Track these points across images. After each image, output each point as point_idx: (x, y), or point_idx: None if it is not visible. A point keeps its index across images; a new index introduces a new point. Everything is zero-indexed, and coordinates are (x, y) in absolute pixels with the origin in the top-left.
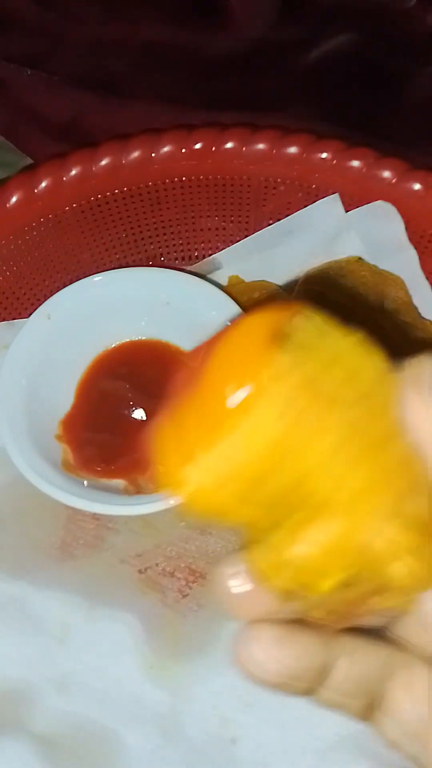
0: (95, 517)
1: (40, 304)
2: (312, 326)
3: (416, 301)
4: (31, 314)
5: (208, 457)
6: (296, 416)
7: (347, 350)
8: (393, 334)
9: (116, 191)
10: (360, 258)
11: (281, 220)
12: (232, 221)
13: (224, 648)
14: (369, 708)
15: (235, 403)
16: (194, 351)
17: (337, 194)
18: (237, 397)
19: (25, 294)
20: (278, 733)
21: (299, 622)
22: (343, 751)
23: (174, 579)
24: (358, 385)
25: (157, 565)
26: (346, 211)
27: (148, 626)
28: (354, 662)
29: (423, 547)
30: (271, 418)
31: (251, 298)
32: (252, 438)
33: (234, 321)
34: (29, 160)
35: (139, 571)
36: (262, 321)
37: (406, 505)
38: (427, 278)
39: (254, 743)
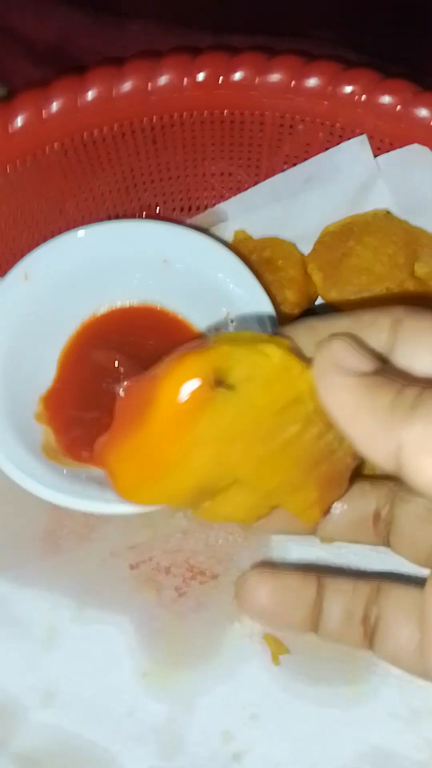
0: None
1: (16, 262)
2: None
3: None
4: (6, 273)
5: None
6: (224, 433)
7: (266, 373)
8: (422, 303)
9: (106, 128)
10: (389, 212)
11: (298, 165)
12: (241, 165)
13: (227, 654)
14: (366, 636)
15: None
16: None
17: (365, 135)
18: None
19: (0, 250)
20: (288, 750)
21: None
22: None
23: (170, 576)
24: (276, 395)
25: (151, 559)
26: (376, 156)
27: (143, 629)
28: (340, 595)
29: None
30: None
31: (261, 257)
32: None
33: (171, 362)
34: (5, 90)
35: (131, 567)
36: (194, 365)
37: (315, 471)
38: None
39: (260, 760)
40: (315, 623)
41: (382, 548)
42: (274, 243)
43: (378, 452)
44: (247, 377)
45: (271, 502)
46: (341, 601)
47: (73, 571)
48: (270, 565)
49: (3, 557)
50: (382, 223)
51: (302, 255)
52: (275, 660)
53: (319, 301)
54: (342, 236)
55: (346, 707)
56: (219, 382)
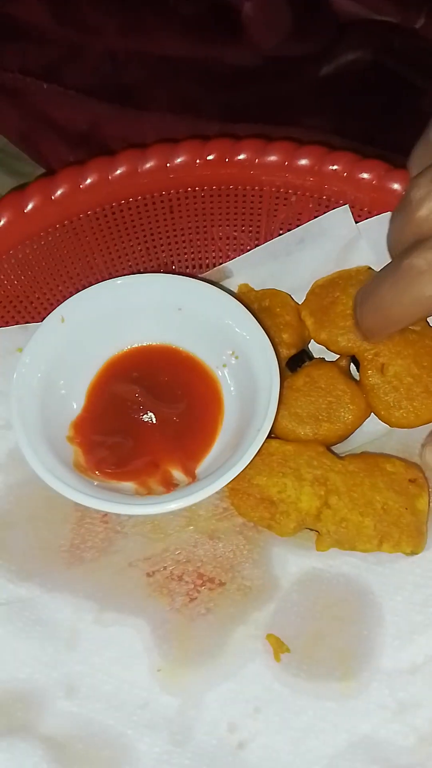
0: (104, 520)
1: (53, 308)
2: None
3: None
4: (44, 318)
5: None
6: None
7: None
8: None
9: (131, 199)
10: (370, 267)
11: (292, 230)
12: (243, 230)
13: (232, 653)
14: None
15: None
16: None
17: (347, 205)
18: None
19: (39, 298)
20: (287, 739)
21: None
22: (353, 755)
23: (182, 583)
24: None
25: (165, 568)
26: (357, 222)
27: (157, 630)
28: None
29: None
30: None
31: (261, 306)
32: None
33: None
34: (43, 171)
35: (147, 575)
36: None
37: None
38: None
39: (263, 749)
40: None
41: (373, 559)
42: (272, 294)
43: None
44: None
45: None
46: None
47: (95, 579)
48: None
49: (32, 566)
50: (363, 277)
51: (296, 303)
52: (277, 658)
53: (311, 342)
54: (330, 288)
55: (340, 700)
56: None
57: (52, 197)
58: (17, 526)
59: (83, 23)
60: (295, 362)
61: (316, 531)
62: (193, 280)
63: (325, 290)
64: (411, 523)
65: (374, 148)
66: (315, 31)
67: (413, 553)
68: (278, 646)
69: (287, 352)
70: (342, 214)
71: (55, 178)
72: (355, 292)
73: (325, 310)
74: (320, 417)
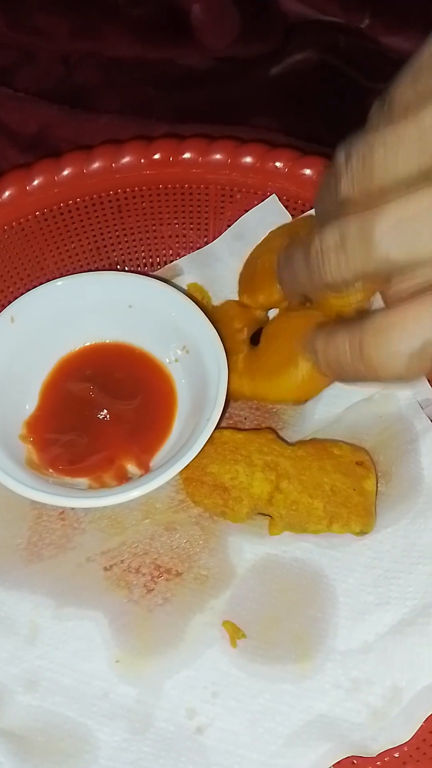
0: (61, 517)
1: (1, 309)
2: None
3: None
4: None
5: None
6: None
7: None
8: None
9: (79, 200)
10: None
11: (230, 227)
12: (192, 228)
13: (190, 641)
14: None
15: None
16: None
17: (275, 195)
18: None
19: None
20: (244, 721)
21: None
22: (308, 734)
23: (139, 575)
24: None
25: (122, 561)
26: (299, 216)
27: (116, 622)
28: None
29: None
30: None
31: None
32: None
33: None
34: None
35: (105, 569)
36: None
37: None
38: None
39: (221, 732)
40: None
41: (326, 543)
42: (221, 309)
43: None
44: None
45: None
46: None
47: (53, 576)
48: None
49: None
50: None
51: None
52: (233, 644)
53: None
54: (252, 255)
55: (296, 682)
56: None
57: (0, 200)
58: None
59: (35, 27)
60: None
61: (269, 516)
62: (143, 277)
63: (249, 261)
64: (359, 503)
65: (320, 145)
66: (264, 33)
67: (363, 532)
68: (234, 632)
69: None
70: (272, 204)
71: (2, 180)
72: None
73: (249, 277)
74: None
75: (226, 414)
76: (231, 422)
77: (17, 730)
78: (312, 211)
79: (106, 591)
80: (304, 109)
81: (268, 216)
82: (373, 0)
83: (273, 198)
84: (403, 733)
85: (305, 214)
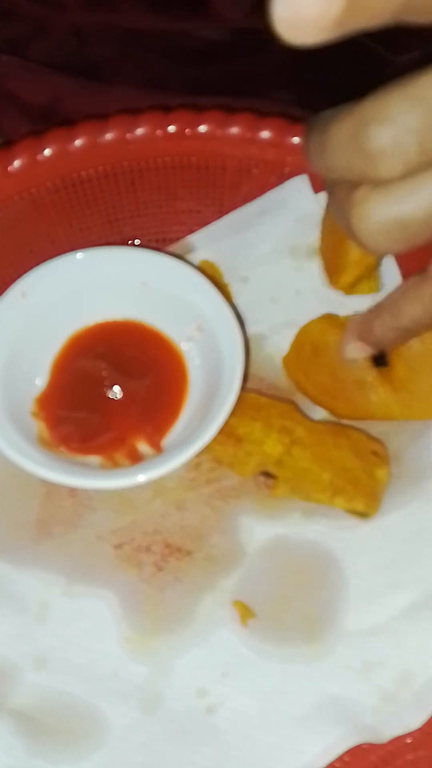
0: (72, 495)
1: (12, 283)
2: None
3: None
4: (3, 292)
5: None
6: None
7: None
8: None
9: (92, 171)
10: None
11: (252, 202)
12: (207, 204)
13: (201, 620)
14: None
15: None
16: None
17: (305, 175)
18: None
19: None
20: (255, 702)
21: None
22: (320, 717)
23: (150, 553)
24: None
25: (133, 540)
26: (317, 193)
27: (126, 601)
28: None
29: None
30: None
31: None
32: None
33: None
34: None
35: (116, 547)
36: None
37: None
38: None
39: (232, 712)
40: None
41: (336, 525)
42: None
43: None
44: None
45: None
46: None
47: (63, 554)
48: None
49: (1, 542)
50: None
51: None
52: (244, 623)
53: None
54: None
55: (307, 663)
56: None
57: (9, 168)
58: None
59: None
60: None
61: (274, 477)
62: (157, 253)
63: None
64: (368, 485)
65: None
66: None
67: (365, 515)
68: (245, 612)
69: None
70: (300, 183)
71: (12, 149)
72: None
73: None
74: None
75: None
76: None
77: (27, 709)
78: None
79: (116, 569)
80: (322, 83)
81: (294, 196)
82: None
83: (302, 177)
84: (415, 718)
85: None
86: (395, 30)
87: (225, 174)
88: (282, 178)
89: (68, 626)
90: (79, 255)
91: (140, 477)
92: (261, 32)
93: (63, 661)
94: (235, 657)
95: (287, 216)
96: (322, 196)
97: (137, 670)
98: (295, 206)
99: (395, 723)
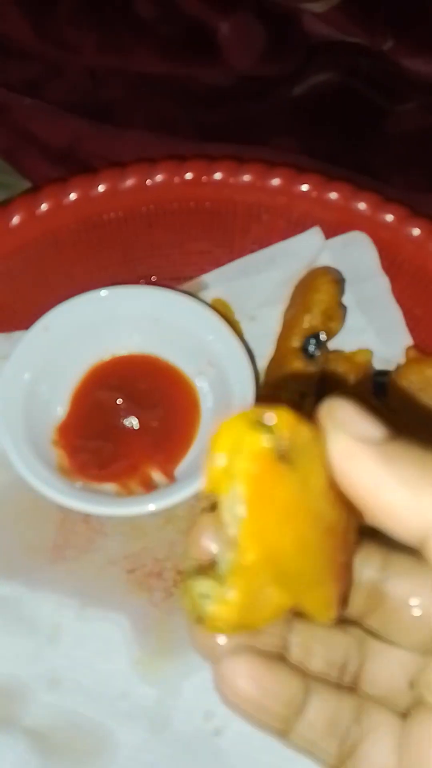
0: (86, 520)
1: (36, 318)
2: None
3: (382, 324)
4: (27, 327)
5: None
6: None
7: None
8: None
9: (112, 214)
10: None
11: (266, 248)
12: (218, 245)
13: None
14: (340, 756)
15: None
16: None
17: (318, 227)
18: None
19: (22, 308)
20: None
21: (277, 657)
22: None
23: (161, 579)
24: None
25: (144, 566)
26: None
27: (136, 624)
28: (325, 703)
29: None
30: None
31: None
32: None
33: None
34: (28, 183)
35: (128, 572)
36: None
37: (335, 560)
38: (398, 301)
39: (238, 735)
40: (289, 725)
41: None
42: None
43: (405, 525)
44: (300, 448)
45: (294, 599)
46: (327, 709)
47: (76, 577)
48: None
49: (16, 565)
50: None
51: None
52: None
53: None
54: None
55: None
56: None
57: (36, 212)
58: (1, 527)
59: (63, 40)
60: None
61: None
62: (172, 291)
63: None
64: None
65: (339, 167)
66: (287, 53)
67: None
68: None
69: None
70: (313, 235)
71: (39, 194)
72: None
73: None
74: None
75: None
76: None
77: (41, 728)
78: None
79: (128, 593)
80: (324, 130)
81: (305, 246)
82: (397, 23)
83: (316, 230)
84: None
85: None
86: (394, 80)
87: (236, 218)
88: (290, 222)
89: (80, 648)
90: (99, 293)
91: (152, 505)
92: (267, 80)
93: (75, 682)
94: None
95: (298, 263)
96: (331, 243)
97: (146, 692)
98: (305, 255)
99: None
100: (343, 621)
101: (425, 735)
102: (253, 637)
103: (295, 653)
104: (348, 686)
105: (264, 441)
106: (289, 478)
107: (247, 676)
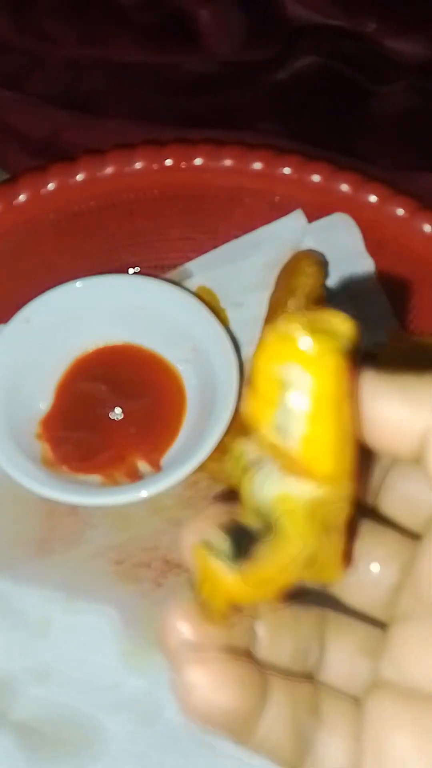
0: (72, 513)
1: (17, 310)
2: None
3: (366, 305)
4: (8, 319)
5: None
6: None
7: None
8: None
9: (92, 203)
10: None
11: (248, 233)
12: (201, 232)
13: None
14: (299, 752)
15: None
16: None
17: (300, 210)
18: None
19: (1, 300)
20: None
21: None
22: None
23: (149, 570)
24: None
25: (133, 556)
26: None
27: (126, 616)
28: (286, 703)
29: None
30: None
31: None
32: None
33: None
34: (7, 175)
35: (116, 563)
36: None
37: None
38: (382, 282)
39: None
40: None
41: None
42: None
43: (402, 436)
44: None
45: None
46: (287, 708)
47: (64, 570)
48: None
49: (3, 559)
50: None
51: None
52: None
53: None
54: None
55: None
56: None
57: (14, 202)
58: None
59: (43, 33)
60: None
61: None
62: (153, 280)
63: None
64: None
65: (324, 150)
66: (269, 37)
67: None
68: None
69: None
70: (295, 218)
71: (16, 184)
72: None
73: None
74: None
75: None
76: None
77: (29, 722)
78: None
79: (116, 585)
80: (308, 114)
81: (288, 230)
82: (380, 4)
83: (298, 213)
84: None
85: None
86: (378, 61)
87: (217, 203)
88: (272, 206)
89: (69, 640)
90: (79, 283)
91: (138, 493)
92: (249, 66)
93: (64, 675)
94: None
95: (282, 247)
96: (314, 226)
97: (136, 683)
98: (289, 238)
99: None
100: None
101: (382, 715)
102: (220, 634)
103: (263, 647)
104: (308, 675)
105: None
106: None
107: (211, 685)
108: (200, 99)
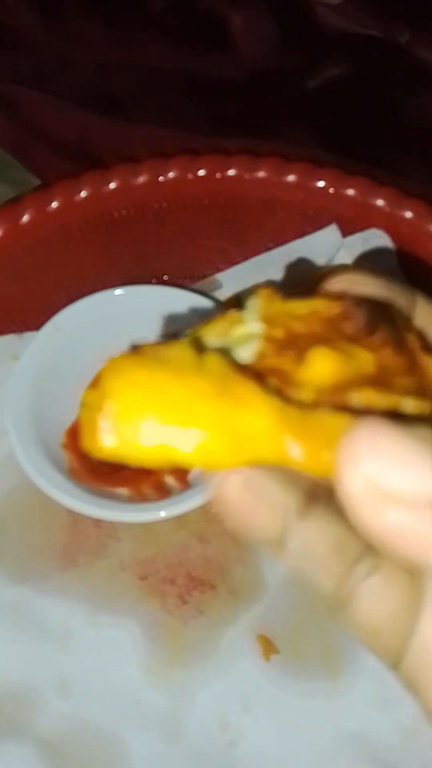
0: (97, 525)
1: (47, 317)
2: None
3: None
4: (38, 326)
5: None
6: None
7: None
8: None
9: (124, 211)
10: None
11: (281, 246)
12: (232, 243)
13: (222, 653)
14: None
15: None
16: None
17: (335, 225)
18: None
19: (32, 307)
20: (276, 736)
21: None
22: (339, 753)
23: (174, 586)
24: None
25: (157, 572)
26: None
27: (149, 632)
28: (329, 524)
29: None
30: None
31: None
32: None
33: None
34: (36, 178)
35: (140, 578)
36: None
37: None
38: None
39: (253, 746)
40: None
41: None
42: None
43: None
44: None
45: None
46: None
47: (88, 583)
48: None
49: (27, 570)
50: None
51: None
52: (266, 658)
53: None
54: None
55: (327, 699)
56: None
57: (47, 209)
58: (11, 531)
59: (73, 34)
60: None
61: None
62: (184, 290)
63: None
64: None
65: (354, 161)
66: (301, 45)
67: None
68: (267, 647)
69: None
70: (330, 232)
71: (50, 190)
72: None
73: None
74: None
75: None
76: None
77: (51, 737)
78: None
79: (140, 600)
80: (338, 124)
81: (322, 243)
82: (413, 14)
83: (333, 228)
84: None
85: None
86: (410, 72)
87: (250, 214)
88: (306, 218)
89: (91, 655)
90: (110, 292)
91: (165, 511)
92: (280, 73)
93: (86, 689)
94: (256, 691)
95: (314, 261)
96: (349, 241)
97: (159, 701)
98: (322, 252)
99: (416, 761)
100: None
101: None
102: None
103: None
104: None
105: None
106: None
107: (242, 484)
108: (229, 105)
